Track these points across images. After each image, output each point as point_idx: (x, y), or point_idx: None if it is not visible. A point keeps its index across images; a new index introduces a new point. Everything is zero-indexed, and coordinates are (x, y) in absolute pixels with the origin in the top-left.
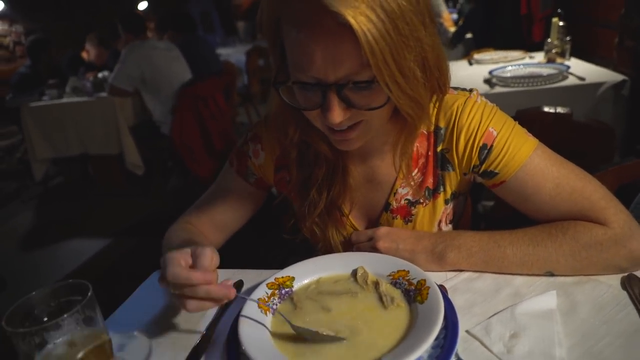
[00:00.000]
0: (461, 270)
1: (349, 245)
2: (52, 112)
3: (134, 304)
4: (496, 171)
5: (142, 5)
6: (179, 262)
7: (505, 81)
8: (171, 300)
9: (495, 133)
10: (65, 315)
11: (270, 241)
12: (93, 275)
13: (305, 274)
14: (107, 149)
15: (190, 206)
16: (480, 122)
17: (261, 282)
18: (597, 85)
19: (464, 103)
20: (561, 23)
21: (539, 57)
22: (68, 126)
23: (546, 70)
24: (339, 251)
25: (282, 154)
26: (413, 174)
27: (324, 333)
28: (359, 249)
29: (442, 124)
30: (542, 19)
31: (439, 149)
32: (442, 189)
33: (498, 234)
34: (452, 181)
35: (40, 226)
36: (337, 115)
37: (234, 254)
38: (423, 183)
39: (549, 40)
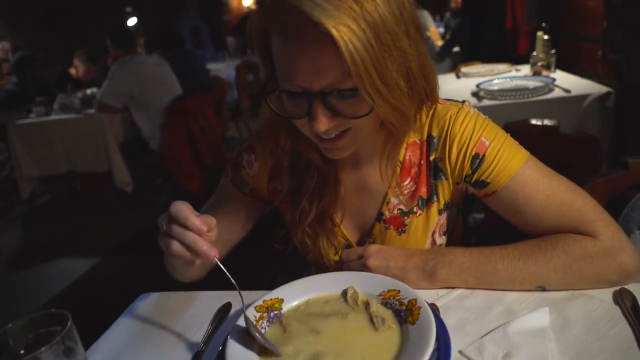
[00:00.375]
0: (453, 287)
1: (339, 262)
2: (39, 129)
3: (118, 331)
4: (488, 181)
5: (131, 22)
6: (187, 205)
7: (492, 94)
8: (155, 326)
9: (487, 143)
10: (43, 348)
11: (261, 256)
12: (82, 295)
13: (294, 295)
14: (95, 167)
15: None
16: (472, 132)
17: (249, 305)
18: (582, 98)
19: (457, 113)
20: (546, 37)
21: (525, 69)
22: (56, 144)
23: (532, 83)
24: (329, 262)
25: (275, 164)
26: (405, 182)
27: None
28: (349, 267)
29: (434, 133)
30: (527, 33)
31: (431, 157)
32: (435, 199)
33: (488, 249)
34: (445, 191)
35: (27, 246)
36: (323, 123)
37: (219, 271)
38: (416, 192)
39: (535, 53)
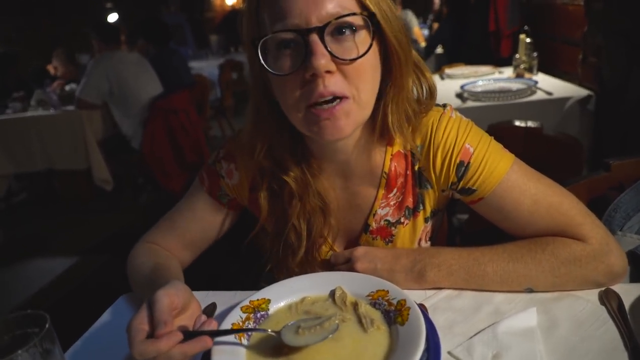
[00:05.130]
0: (440, 288)
1: (327, 267)
2: (15, 125)
3: (98, 333)
4: (474, 188)
5: (112, 17)
6: (141, 335)
7: (476, 96)
8: None
9: (471, 150)
10: (19, 351)
11: (242, 256)
12: (58, 295)
13: (281, 295)
14: (74, 164)
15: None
16: (456, 139)
17: (235, 306)
18: (564, 100)
19: (439, 119)
20: (528, 40)
21: (508, 72)
22: (32, 140)
23: (515, 85)
24: (315, 269)
25: (256, 183)
26: (392, 194)
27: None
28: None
29: (418, 142)
30: (509, 36)
31: (416, 167)
32: (421, 208)
33: (477, 250)
34: (431, 199)
35: (3, 245)
36: (322, 56)
37: (203, 270)
38: (403, 203)
39: (517, 56)
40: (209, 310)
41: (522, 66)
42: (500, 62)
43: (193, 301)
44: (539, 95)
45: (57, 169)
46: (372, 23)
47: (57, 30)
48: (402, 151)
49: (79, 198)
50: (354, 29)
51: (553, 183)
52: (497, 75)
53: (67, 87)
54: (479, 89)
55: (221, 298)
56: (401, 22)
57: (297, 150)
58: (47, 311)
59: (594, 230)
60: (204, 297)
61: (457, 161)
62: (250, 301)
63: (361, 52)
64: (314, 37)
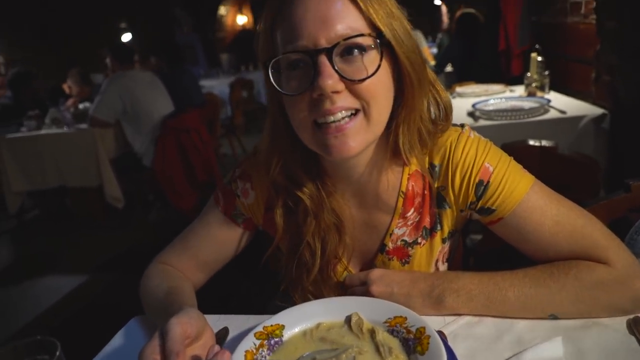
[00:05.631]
0: (459, 314)
1: (342, 288)
2: (29, 143)
3: (109, 357)
4: (493, 208)
5: (126, 37)
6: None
7: (488, 114)
8: None
9: (491, 169)
10: None
11: (253, 276)
12: (68, 314)
13: (295, 321)
14: (86, 182)
15: (171, 240)
16: (475, 158)
17: (248, 331)
18: (578, 119)
19: (457, 139)
20: (539, 58)
21: (519, 90)
22: (46, 158)
23: (527, 104)
24: (329, 293)
25: (271, 200)
26: (409, 213)
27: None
28: (353, 294)
29: (436, 161)
30: (519, 55)
31: (434, 186)
32: (439, 228)
33: (498, 275)
34: (449, 219)
35: (14, 261)
36: (329, 77)
37: (215, 290)
38: (420, 223)
39: (529, 74)
40: (222, 335)
41: (533, 84)
42: (511, 80)
43: (207, 329)
44: (552, 114)
45: (69, 186)
46: (382, 44)
47: (72, 51)
48: (419, 170)
49: (91, 215)
50: (363, 49)
51: (574, 205)
52: (508, 94)
53: (81, 106)
54: (491, 108)
55: (234, 322)
56: (415, 42)
57: (311, 167)
58: (56, 330)
59: (619, 254)
60: (216, 321)
61: (477, 180)
62: (263, 327)
63: (370, 73)
64: (322, 58)
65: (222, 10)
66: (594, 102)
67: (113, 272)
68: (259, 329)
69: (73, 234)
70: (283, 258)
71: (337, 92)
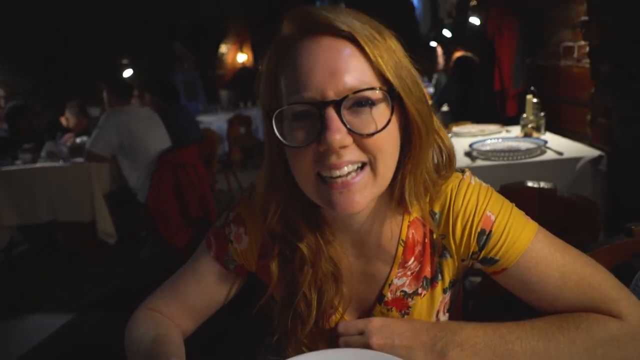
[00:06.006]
0: None
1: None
2: (23, 177)
3: None
4: (496, 258)
5: (127, 73)
6: None
7: (485, 154)
8: None
9: (493, 217)
10: None
11: (244, 319)
12: (55, 352)
13: None
14: (78, 216)
15: (162, 278)
16: (476, 207)
17: None
18: (575, 160)
19: (458, 185)
20: (535, 100)
21: (516, 131)
22: (39, 192)
23: (524, 145)
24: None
25: (266, 241)
26: (409, 262)
27: None
28: (346, 343)
29: (436, 209)
30: (514, 96)
31: (435, 235)
32: (440, 278)
33: (503, 326)
34: (450, 268)
35: (1, 297)
36: (337, 131)
37: (203, 331)
38: (421, 272)
39: (525, 115)
40: None
41: (530, 125)
42: (506, 121)
43: None
44: (549, 155)
45: (61, 221)
46: (392, 97)
47: (73, 84)
48: (420, 218)
49: (82, 251)
50: (372, 103)
51: (580, 253)
52: (505, 134)
53: (78, 140)
54: (488, 148)
55: None
56: (422, 90)
57: (311, 217)
58: None
59: (631, 307)
60: None
61: (479, 229)
62: None
63: (379, 127)
64: (330, 111)
65: (223, 48)
66: (590, 144)
67: (102, 310)
68: None
69: (63, 269)
70: (276, 308)
71: (344, 146)
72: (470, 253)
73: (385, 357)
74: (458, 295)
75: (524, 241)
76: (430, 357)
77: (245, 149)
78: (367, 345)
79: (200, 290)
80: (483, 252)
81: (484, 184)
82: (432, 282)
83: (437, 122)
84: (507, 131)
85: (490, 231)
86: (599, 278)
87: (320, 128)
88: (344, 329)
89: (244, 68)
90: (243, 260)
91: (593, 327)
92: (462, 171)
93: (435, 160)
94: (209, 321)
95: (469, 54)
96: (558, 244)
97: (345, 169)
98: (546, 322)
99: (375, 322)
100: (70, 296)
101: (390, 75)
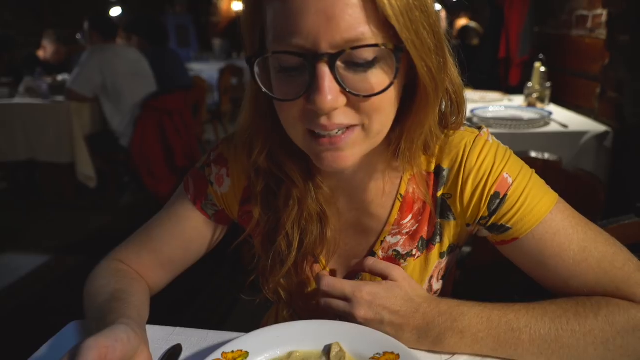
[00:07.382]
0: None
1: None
2: (0, 112)
3: None
4: (508, 225)
5: (115, 11)
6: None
7: (487, 122)
8: None
9: (510, 180)
10: None
11: (224, 272)
12: (24, 297)
13: (262, 347)
14: (57, 157)
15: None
16: (492, 166)
17: (204, 355)
18: (579, 134)
19: (473, 142)
20: (543, 69)
21: (518, 100)
22: (17, 129)
23: (527, 115)
24: (308, 312)
25: (250, 183)
26: (406, 220)
27: None
28: (328, 304)
29: (445, 164)
30: (519, 64)
31: (439, 193)
32: (438, 240)
33: (511, 311)
34: (451, 231)
35: None
36: (328, 92)
37: (181, 283)
38: (417, 232)
39: (530, 84)
40: (172, 356)
41: (534, 95)
42: (508, 90)
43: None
44: (553, 127)
45: (39, 161)
46: (397, 56)
47: (57, 19)
48: (424, 172)
49: (60, 193)
50: (372, 62)
51: (602, 231)
52: (507, 103)
53: (59, 77)
54: (490, 115)
55: (189, 338)
56: (439, 33)
57: (301, 159)
58: (6, 316)
59: None
60: (169, 335)
61: (492, 192)
62: (223, 353)
63: (379, 89)
64: (322, 67)
65: None
66: (597, 119)
67: (80, 253)
68: (217, 355)
69: (40, 210)
70: (256, 247)
71: (336, 108)
72: (479, 218)
73: (371, 332)
74: (454, 267)
75: (542, 210)
76: (423, 342)
77: (235, 100)
78: (351, 316)
79: (176, 238)
80: (493, 218)
81: (502, 144)
82: (428, 244)
83: (450, 61)
84: (510, 100)
85: (505, 195)
86: (623, 257)
87: (310, 83)
88: (328, 287)
89: (239, 17)
90: (223, 205)
91: (614, 315)
92: (479, 127)
93: (442, 108)
94: (186, 272)
95: (472, 24)
96: (579, 217)
97: (335, 129)
98: (560, 307)
99: (365, 291)
100: (47, 238)
101: (398, 23)
